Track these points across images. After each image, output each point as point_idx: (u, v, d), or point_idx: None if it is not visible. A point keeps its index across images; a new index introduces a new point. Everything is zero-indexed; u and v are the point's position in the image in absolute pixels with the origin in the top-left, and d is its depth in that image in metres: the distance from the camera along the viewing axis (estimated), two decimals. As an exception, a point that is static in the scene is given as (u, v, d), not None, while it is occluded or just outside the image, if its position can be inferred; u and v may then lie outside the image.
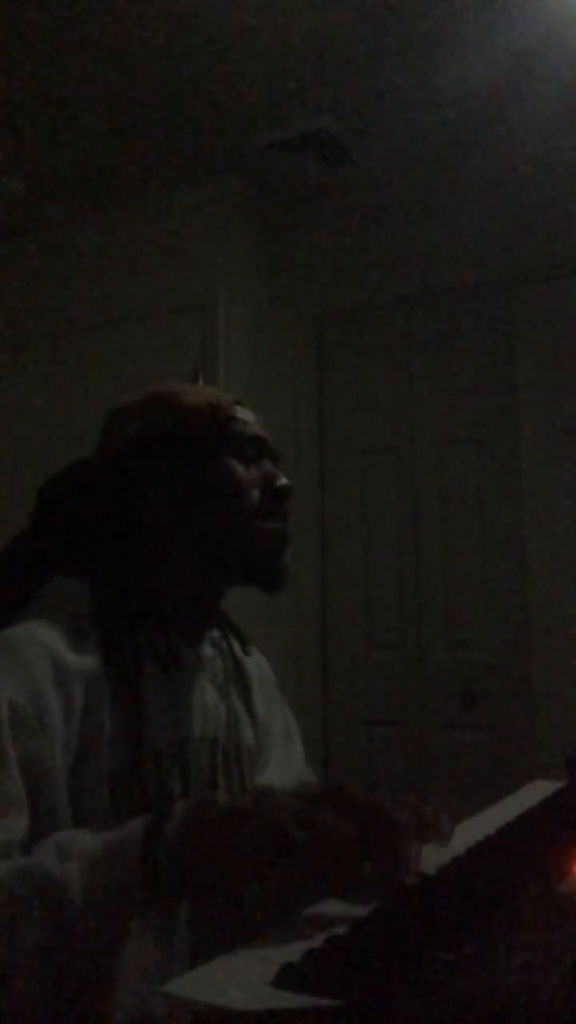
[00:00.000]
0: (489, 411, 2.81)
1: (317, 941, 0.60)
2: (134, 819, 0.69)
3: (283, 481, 1.00)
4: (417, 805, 0.83)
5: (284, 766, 1.10)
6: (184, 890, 0.66)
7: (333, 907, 0.68)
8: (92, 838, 0.69)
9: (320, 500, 3.04)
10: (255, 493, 0.98)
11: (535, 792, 1.18)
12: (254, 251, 2.99)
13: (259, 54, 2.29)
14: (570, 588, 2.58)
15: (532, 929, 0.60)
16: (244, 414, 1.01)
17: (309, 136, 2.64)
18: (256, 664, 1.12)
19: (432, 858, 0.83)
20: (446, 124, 2.57)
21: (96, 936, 0.64)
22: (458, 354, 2.87)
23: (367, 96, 2.47)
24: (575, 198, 2.68)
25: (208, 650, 1.02)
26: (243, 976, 0.56)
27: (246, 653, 1.09)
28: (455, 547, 2.82)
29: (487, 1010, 0.47)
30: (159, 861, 0.65)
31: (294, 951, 0.58)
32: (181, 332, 2.85)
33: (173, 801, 0.89)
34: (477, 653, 2.74)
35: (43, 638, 0.84)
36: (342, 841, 0.64)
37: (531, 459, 2.70)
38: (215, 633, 1.05)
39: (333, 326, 3.11)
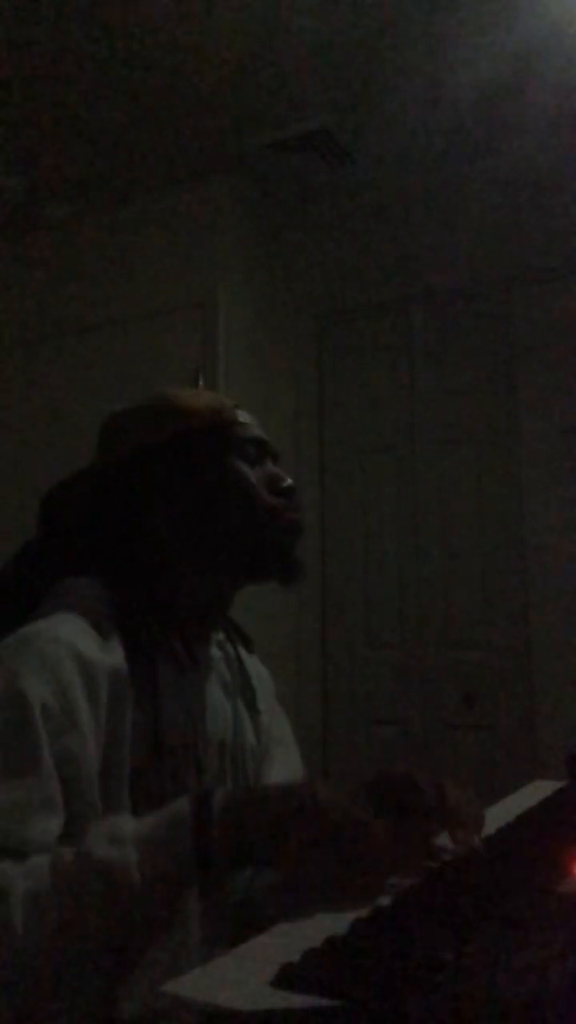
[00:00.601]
0: (489, 411, 2.81)
1: (317, 941, 0.60)
2: (176, 801, 0.72)
3: (288, 481, 1.02)
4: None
5: (284, 773, 1.11)
6: (235, 864, 0.70)
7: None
8: (139, 823, 0.72)
9: (320, 500, 3.04)
10: (264, 493, 1.00)
11: (535, 792, 1.18)
12: (254, 251, 2.99)
13: (259, 54, 2.29)
14: (570, 588, 2.58)
15: (532, 929, 0.60)
16: (244, 417, 1.03)
17: (309, 136, 2.63)
18: (257, 668, 1.13)
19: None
20: (446, 124, 2.57)
21: (152, 914, 0.68)
22: (458, 354, 2.87)
23: (367, 96, 2.47)
24: (574, 198, 2.69)
25: (215, 652, 1.03)
26: (243, 976, 0.56)
27: (250, 652, 1.10)
28: (455, 547, 2.82)
29: (487, 1010, 0.47)
30: (211, 836, 0.69)
31: (294, 951, 0.58)
32: (181, 332, 2.84)
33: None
34: (477, 653, 2.74)
35: (67, 635, 0.85)
36: (381, 834, 0.70)
37: (531, 459, 2.70)
38: (220, 635, 1.06)
39: (333, 326, 3.11)
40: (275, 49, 2.27)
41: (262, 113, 2.54)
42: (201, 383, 2.70)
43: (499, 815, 1.00)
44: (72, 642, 0.84)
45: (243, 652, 1.09)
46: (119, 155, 2.75)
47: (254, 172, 2.85)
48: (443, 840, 0.85)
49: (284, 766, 1.11)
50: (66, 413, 2.92)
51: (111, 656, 0.87)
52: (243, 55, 2.30)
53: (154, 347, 2.87)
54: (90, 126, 2.60)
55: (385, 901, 0.69)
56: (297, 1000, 0.52)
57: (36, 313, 3.15)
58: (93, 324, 3.02)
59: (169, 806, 0.72)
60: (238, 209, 2.91)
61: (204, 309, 2.83)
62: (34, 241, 3.19)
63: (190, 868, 0.69)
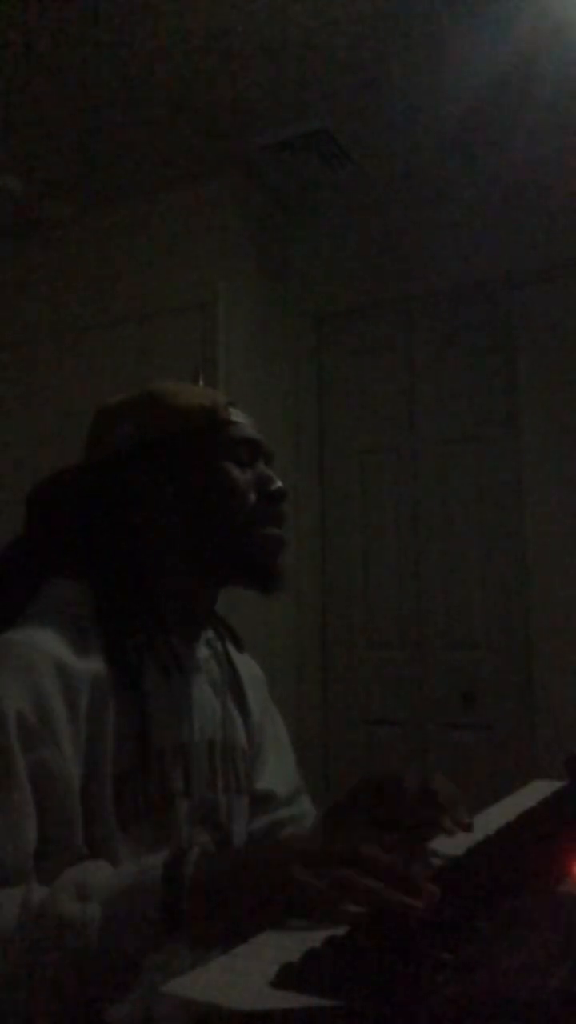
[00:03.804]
0: (489, 411, 2.81)
1: (317, 941, 0.60)
2: (151, 857, 0.70)
3: (278, 484, 1.00)
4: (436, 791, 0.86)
5: (278, 771, 1.10)
6: (202, 936, 0.67)
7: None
8: (110, 877, 0.70)
9: (320, 500, 3.04)
10: (251, 497, 0.98)
11: (535, 792, 1.18)
12: (254, 251, 2.99)
13: (259, 54, 2.29)
14: (570, 588, 2.58)
15: (532, 929, 0.60)
16: (238, 416, 1.01)
17: (309, 136, 2.63)
18: (248, 667, 1.12)
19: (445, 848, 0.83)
20: (446, 124, 2.57)
21: (111, 972, 0.66)
22: (458, 354, 2.87)
23: (367, 96, 2.47)
24: (574, 198, 2.68)
25: (204, 651, 1.02)
26: (243, 976, 0.56)
27: (240, 651, 1.10)
28: (455, 547, 2.82)
29: (487, 1010, 0.47)
30: (180, 907, 0.66)
31: (294, 951, 0.58)
32: (181, 332, 2.84)
33: (175, 801, 0.90)
34: (477, 653, 2.74)
35: (46, 643, 0.84)
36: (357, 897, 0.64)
37: (531, 459, 2.70)
38: (210, 634, 1.05)
39: (333, 326, 3.11)
40: (275, 49, 2.27)
41: (262, 113, 2.54)
42: (201, 383, 2.70)
43: (499, 815, 0.99)
44: (51, 650, 0.83)
45: (233, 651, 1.08)
46: (119, 155, 2.75)
47: (254, 172, 2.85)
48: (441, 843, 0.85)
49: (278, 766, 1.11)
50: (66, 413, 2.92)
51: (92, 662, 0.86)
52: (243, 55, 2.29)
53: (154, 347, 2.87)
54: (90, 126, 2.60)
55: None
56: (297, 1000, 0.52)
57: (36, 313, 3.15)
58: (93, 324, 3.02)
59: (143, 862, 0.70)
60: (238, 209, 2.91)
61: (204, 309, 2.82)
62: (34, 241, 3.19)
63: (156, 933, 0.66)
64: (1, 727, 0.77)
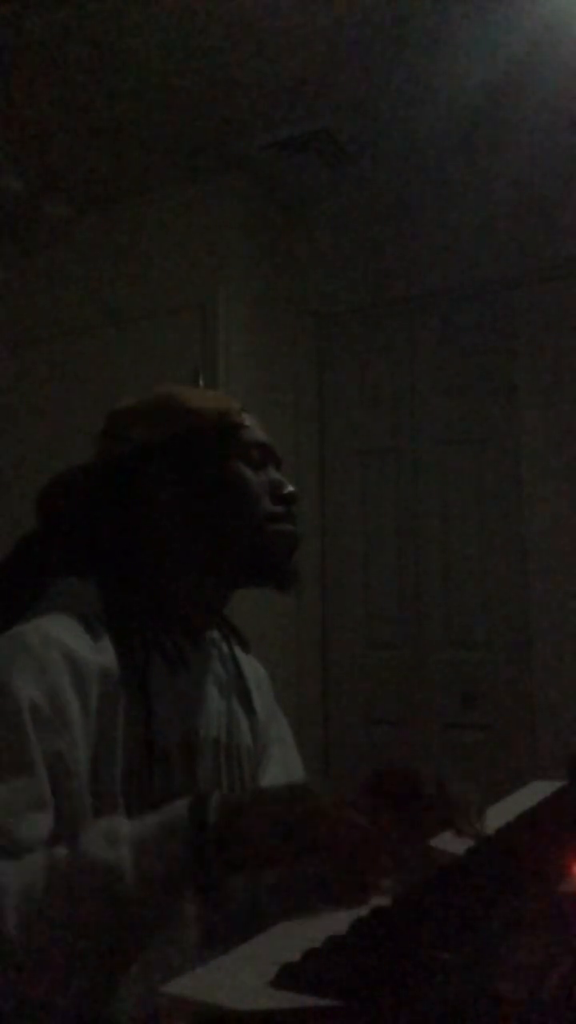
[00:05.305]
0: (489, 411, 2.81)
1: (317, 941, 0.60)
2: (174, 803, 0.72)
3: (290, 488, 1.02)
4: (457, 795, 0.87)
5: (283, 774, 1.11)
6: (233, 867, 0.70)
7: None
8: (136, 824, 0.72)
9: (320, 500, 3.04)
10: (265, 500, 0.99)
11: (535, 792, 1.18)
12: (254, 251, 2.99)
13: (259, 54, 2.29)
14: (570, 588, 2.58)
15: (532, 929, 0.60)
16: (250, 420, 1.03)
17: (309, 136, 2.63)
18: (254, 669, 1.13)
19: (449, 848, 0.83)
20: (446, 124, 2.57)
21: (147, 916, 0.68)
22: (458, 354, 2.87)
23: (367, 96, 2.47)
24: (574, 198, 2.68)
25: (210, 651, 1.03)
26: (243, 976, 0.56)
27: (245, 652, 1.10)
28: (455, 547, 2.82)
29: (487, 1010, 0.47)
30: (208, 840, 0.69)
31: (294, 951, 0.58)
32: (181, 332, 2.84)
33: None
34: (477, 653, 2.74)
35: (58, 636, 0.85)
36: (377, 838, 0.71)
37: (531, 459, 2.70)
38: (215, 634, 1.06)
39: (333, 326, 3.11)
40: (275, 49, 2.27)
41: (262, 113, 2.54)
42: (201, 383, 2.70)
43: (499, 815, 1.00)
44: (63, 641, 0.84)
45: (239, 652, 1.09)
46: (119, 155, 2.75)
47: (254, 172, 2.85)
48: (441, 842, 0.86)
49: (283, 767, 1.11)
50: (66, 413, 2.92)
51: (102, 656, 0.87)
52: (243, 55, 2.29)
53: (154, 347, 2.87)
54: (90, 126, 2.60)
55: (385, 901, 0.69)
56: (297, 1000, 0.52)
57: (36, 313, 3.15)
58: (93, 324, 3.02)
59: (167, 807, 0.72)
60: (238, 209, 2.91)
61: (204, 309, 2.82)
62: (34, 241, 3.19)
63: (186, 871, 0.69)
64: (16, 715, 0.77)
